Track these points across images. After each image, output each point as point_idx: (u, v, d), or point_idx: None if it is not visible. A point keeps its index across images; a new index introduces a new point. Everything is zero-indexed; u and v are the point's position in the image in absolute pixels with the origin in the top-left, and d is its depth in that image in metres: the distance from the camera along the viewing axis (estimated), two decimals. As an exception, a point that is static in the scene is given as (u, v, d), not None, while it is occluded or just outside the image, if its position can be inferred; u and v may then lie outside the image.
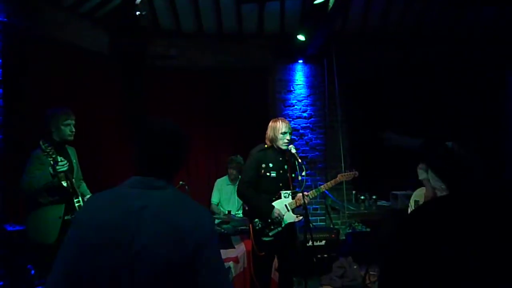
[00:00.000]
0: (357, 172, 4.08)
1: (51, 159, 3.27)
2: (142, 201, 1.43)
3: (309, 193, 3.84)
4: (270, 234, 3.68)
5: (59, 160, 3.29)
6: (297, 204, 3.78)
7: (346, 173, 4.08)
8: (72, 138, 3.60)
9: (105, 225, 1.39)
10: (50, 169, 3.26)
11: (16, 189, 3.56)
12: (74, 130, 3.58)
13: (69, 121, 3.54)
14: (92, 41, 5.57)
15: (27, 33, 4.54)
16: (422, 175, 4.66)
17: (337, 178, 4.04)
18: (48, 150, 3.29)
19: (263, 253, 3.67)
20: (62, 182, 3.40)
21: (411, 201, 4.69)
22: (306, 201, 3.71)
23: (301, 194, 3.73)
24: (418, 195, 4.64)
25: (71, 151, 3.77)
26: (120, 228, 1.38)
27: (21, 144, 4.33)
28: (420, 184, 4.71)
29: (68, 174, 3.49)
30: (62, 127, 3.51)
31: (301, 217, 3.77)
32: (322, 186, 3.97)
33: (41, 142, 3.31)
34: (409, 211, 4.66)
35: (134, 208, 1.41)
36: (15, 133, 4.29)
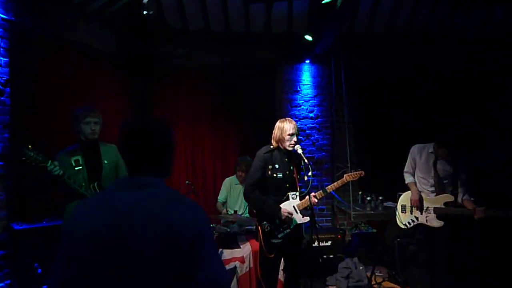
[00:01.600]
0: (363, 172, 4.02)
1: (35, 165, 3.17)
2: (129, 201, 1.41)
3: (316, 194, 3.81)
4: (279, 236, 3.66)
5: (48, 165, 3.20)
6: (305, 205, 3.75)
7: (352, 173, 4.03)
8: (94, 136, 3.50)
9: (96, 232, 1.38)
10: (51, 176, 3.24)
11: (23, 188, 3.54)
12: (95, 128, 3.47)
13: (88, 119, 3.44)
14: (99, 41, 5.58)
15: (34, 32, 4.56)
16: (408, 178, 4.60)
17: (344, 179, 3.99)
18: (32, 159, 3.16)
19: (273, 255, 3.66)
20: (71, 183, 3.31)
21: (398, 206, 4.61)
22: (313, 202, 3.69)
23: (311, 195, 3.71)
24: (405, 199, 4.55)
25: (107, 150, 3.62)
26: (111, 233, 1.36)
27: (28, 143, 4.34)
28: (406, 188, 4.67)
29: (91, 175, 3.44)
30: (83, 126, 3.44)
31: (308, 218, 3.75)
32: (329, 187, 3.94)
33: (25, 150, 3.17)
34: (396, 216, 4.59)
35: (122, 210, 1.39)
36: (22, 132, 4.30)
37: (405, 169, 4.67)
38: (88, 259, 1.36)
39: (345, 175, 4.04)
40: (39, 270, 3.69)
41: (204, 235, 1.42)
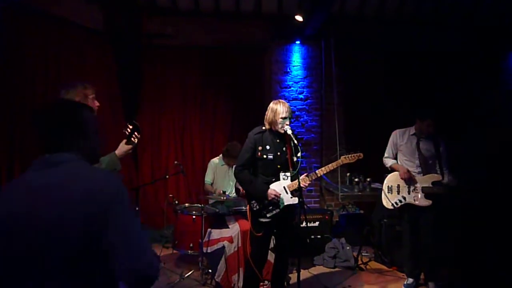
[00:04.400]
0: (361, 154, 3.89)
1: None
2: (43, 180, 1.45)
3: (310, 174, 3.79)
4: (268, 215, 3.67)
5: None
6: (296, 186, 3.70)
7: (350, 155, 3.90)
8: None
9: (11, 214, 1.41)
10: None
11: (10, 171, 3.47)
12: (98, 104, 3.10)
13: (94, 95, 3.06)
14: (88, 18, 5.48)
15: (21, 8, 4.46)
16: (390, 162, 4.62)
17: (340, 161, 3.87)
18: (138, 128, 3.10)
19: (261, 234, 3.68)
20: None
21: (384, 187, 4.59)
22: (306, 184, 3.70)
23: (303, 176, 3.70)
24: (391, 180, 4.56)
25: None
26: (26, 213, 1.40)
27: (13, 117, 4.30)
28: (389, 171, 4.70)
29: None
30: (90, 102, 2.97)
31: (297, 199, 3.74)
32: (322, 168, 3.86)
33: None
34: (383, 197, 4.59)
35: (36, 189, 1.43)
36: (7, 108, 4.25)
37: (385, 155, 4.68)
38: (3, 240, 1.40)
39: (341, 157, 3.90)
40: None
41: (114, 201, 1.45)
